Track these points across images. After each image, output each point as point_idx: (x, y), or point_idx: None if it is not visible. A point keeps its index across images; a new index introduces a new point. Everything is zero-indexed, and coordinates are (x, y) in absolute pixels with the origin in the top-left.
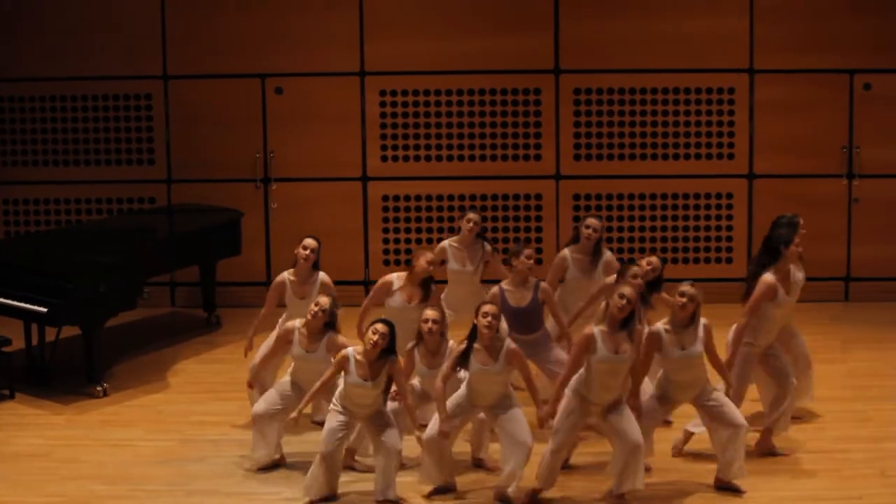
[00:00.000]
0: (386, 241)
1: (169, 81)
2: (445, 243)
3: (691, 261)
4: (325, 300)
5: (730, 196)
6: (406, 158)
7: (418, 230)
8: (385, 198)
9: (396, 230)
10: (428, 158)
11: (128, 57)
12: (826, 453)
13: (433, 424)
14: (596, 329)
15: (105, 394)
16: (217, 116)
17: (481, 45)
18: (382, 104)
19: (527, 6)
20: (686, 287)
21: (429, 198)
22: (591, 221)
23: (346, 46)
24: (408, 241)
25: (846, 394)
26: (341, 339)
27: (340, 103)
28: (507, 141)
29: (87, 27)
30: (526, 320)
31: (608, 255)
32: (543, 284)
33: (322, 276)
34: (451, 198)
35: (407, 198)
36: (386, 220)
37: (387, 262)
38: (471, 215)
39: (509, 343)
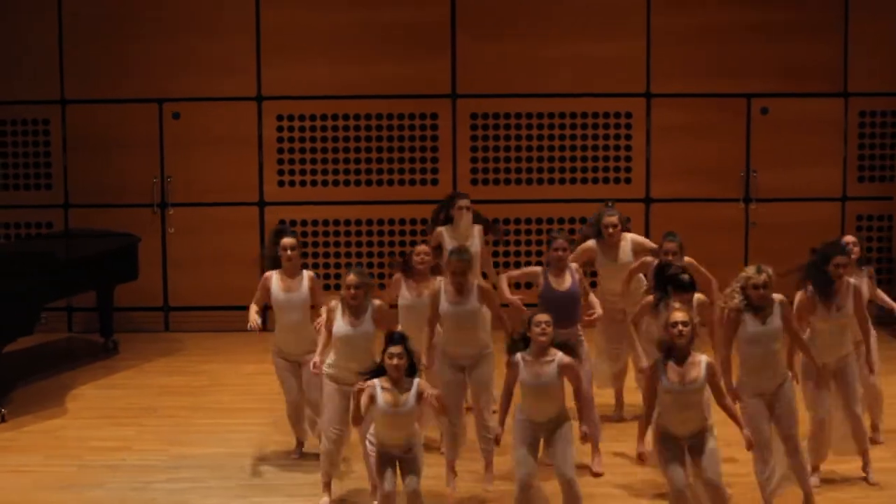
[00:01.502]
0: None
1: (66, 106)
2: (442, 228)
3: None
4: (354, 278)
5: (627, 220)
6: (303, 183)
7: (315, 255)
8: (282, 223)
9: None
10: (325, 183)
11: (25, 82)
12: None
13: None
14: (660, 359)
15: (3, 419)
16: (115, 141)
17: (378, 69)
18: (279, 129)
19: (424, 31)
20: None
21: (326, 222)
22: (609, 220)
23: (243, 71)
24: (304, 266)
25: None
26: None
27: (237, 128)
28: (404, 165)
29: None
30: (566, 306)
31: (631, 235)
32: (575, 265)
33: (308, 273)
34: (347, 222)
35: (304, 223)
36: None
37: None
38: (461, 202)
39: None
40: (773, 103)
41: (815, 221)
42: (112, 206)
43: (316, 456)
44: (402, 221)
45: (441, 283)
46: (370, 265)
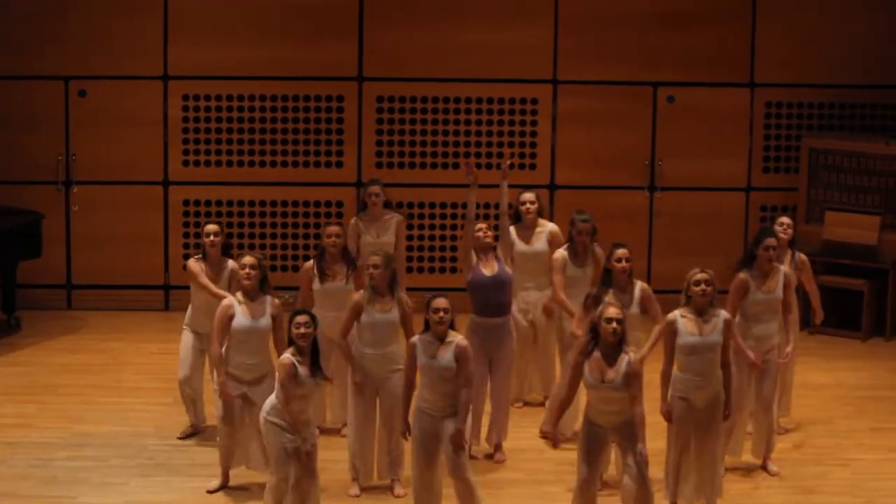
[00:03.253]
0: (186, 245)
1: None
2: (355, 219)
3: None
4: (249, 258)
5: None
6: (208, 163)
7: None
8: (186, 202)
9: (197, 235)
10: (230, 164)
11: None
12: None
13: None
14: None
15: None
16: (19, 118)
17: (285, 51)
18: (185, 108)
19: (331, 14)
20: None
21: (230, 203)
22: (525, 196)
23: (149, 50)
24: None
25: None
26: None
27: (143, 107)
28: (309, 147)
29: None
30: (496, 293)
31: (550, 225)
32: (500, 250)
33: (232, 263)
34: (252, 203)
35: (208, 202)
36: (187, 224)
37: (186, 268)
38: (371, 188)
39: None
40: (679, 92)
41: (719, 211)
42: (16, 183)
43: (215, 436)
44: (307, 203)
45: (362, 294)
46: (273, 246)
